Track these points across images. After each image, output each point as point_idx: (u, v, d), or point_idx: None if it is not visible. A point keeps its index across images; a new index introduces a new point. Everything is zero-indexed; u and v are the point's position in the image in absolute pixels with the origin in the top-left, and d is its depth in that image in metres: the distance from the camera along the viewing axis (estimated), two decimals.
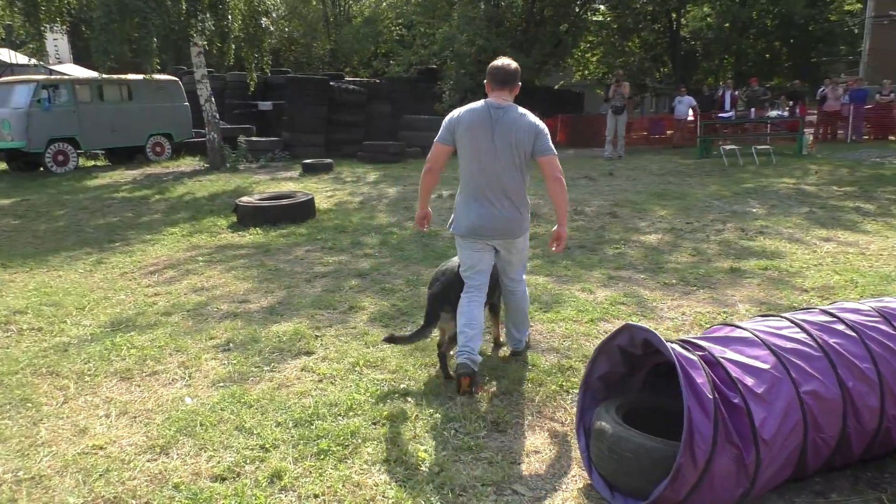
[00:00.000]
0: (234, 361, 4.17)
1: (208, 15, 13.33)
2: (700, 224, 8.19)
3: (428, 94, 20.35)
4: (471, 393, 3.61)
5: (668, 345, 2.52)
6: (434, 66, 20.86)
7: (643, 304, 5.22)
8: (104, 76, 15.16)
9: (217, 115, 14.65)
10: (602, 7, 24.32)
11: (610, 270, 6.25)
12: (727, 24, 23.44)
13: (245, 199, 9.34)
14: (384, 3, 28.76)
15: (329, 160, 14.24)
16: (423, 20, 20.83)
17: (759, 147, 13.29)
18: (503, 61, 3.78)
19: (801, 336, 2.67)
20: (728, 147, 13.32)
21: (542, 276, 6.06)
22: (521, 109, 3.72)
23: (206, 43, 14.06)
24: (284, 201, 9.08)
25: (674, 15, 22.69)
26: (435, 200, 10.27)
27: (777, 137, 15.61)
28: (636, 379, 2.95)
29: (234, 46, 15.52)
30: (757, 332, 2.67)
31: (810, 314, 2.91)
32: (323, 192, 11.29)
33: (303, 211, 9.10)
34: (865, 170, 11.92)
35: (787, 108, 16.02)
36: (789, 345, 2.62)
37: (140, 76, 15.12)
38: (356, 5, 35.00)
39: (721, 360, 2.50)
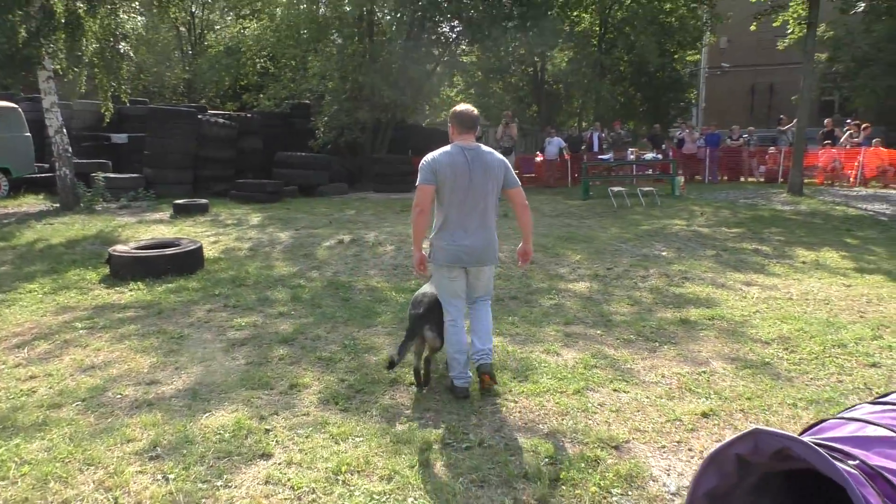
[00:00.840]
0: (172, 475, 3.24)
1: (63, 36, 11.78)
2: (620, 269, 8.06)
3: (301, 130, 19.47)
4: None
5: (825, 454, 2.06)
6: (307, 102, 20.03)
7: (617, 367, 4.82)
8: None
9: (69, 148, 12.97)
10: (469, 48, 24.66)
11: (560, 326, 5.85)
12: (582, 69, 24.56)
13: (120, 247, 8.09)
14: (245, 32, 27.51)
15: (204, 200, 12.99)
16: (293, 53, 19.94)
17: (643, 189, 13.69)
18: (466, 107, 4.23)
19: None
20: (616, 189, 13.62)
21: (494, 336, 5.53)
22: (486, 148, 4.20)
23: (58, 67, 12.43)
24: (169, 250, 7.94)
25: (536, 59, 23.39)
26: (336, 247, 9.54)
27: (653, 179, 16.28)
28: (742, 489, 2.47)
29: (85, 72, 13.98)
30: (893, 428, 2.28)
31: None
32: (204, 238, 10.14)
33: (191, 261, 8.01)
34: (745, 211, 12.57)
35: (660, 151, 16.79)
36: None
37: None
38: (211, 34, 33.36)
39: (879, 470, 2.08)
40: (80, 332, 5.69)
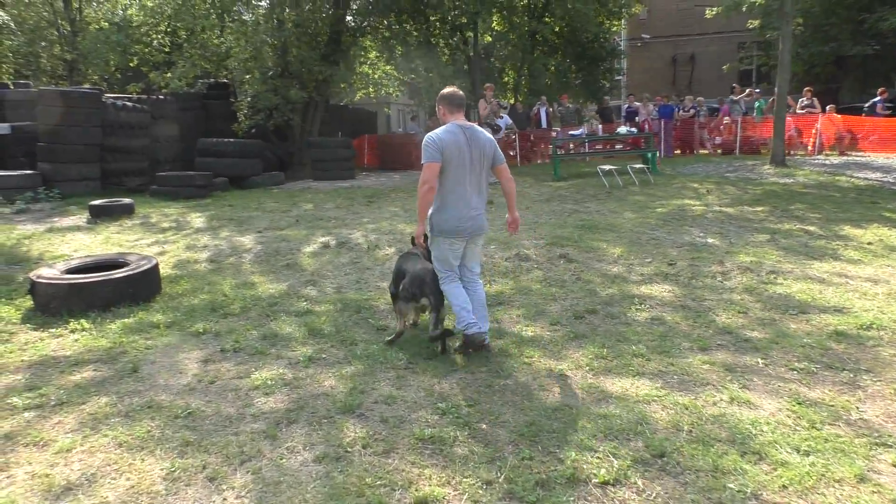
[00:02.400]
0: None
1: None
2: (684, 265, 6.74)
3: (221, 114, 17.12)
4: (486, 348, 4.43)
5: None
6: (226, 80, 17.64)
7: (850, 422, 3.45)
8: None
9: None
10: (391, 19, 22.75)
11: (699, 354, 4.44)
12: (513, 40, 23.30)
13: (45, 271, 5.97)
14: (136, 6, 24.40)
15: (128, 200, 10.67)
16: (203, 24, 17.42)
17: (634, 166, 12.50)
18: (453, 89, 4.49)
19: None
20: (606, 168, 12.35)
21: (636, 376, 4.04)
22: (477, 126, 4.48)
23: None
24: (118, 273, 5.91)
25: (469, 33, 21.87)
26: (323, 253, 7.77)
27: (627, 155, 15.17)
28: None
29: None
30: None
31: None
32: (144, 248, 8.07)
33: (146, 285, 6.03)
34: (749, 187, 11.60)
35: (633, 125, 15.69)
36: None
37: None
38: (92, 9, 29.65)
39: None
40: (26, 415, 3.74)
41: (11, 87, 15.15)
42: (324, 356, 4.60)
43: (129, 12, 25.55)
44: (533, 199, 11.26)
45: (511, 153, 19.13)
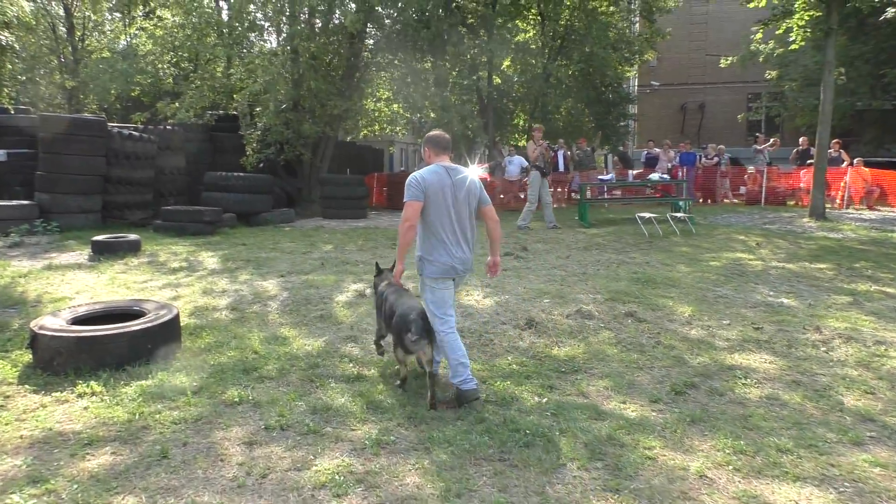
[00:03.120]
0: None
1: None
2: (773, 330, 5.97)
3: (227, 146, 16.39)
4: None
5: None
6: (234, 112, 16.97)
7: None
8: None
9: None
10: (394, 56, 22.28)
11: (858, 451, 3.64)
12: (527, 81, 22.96)
13: (48, 321, 5.12)
14: (145, 36, 23.91)
15: (134, 236, 9.81)
16: (214, 54, 16.81)
17: (675, 215, 11.83)
18: (439, 132, 4.59)
19: None
20: (645, 215, 11.65)
21: (803, 488, 3.23)
22: (462, 168, 4.48)
23: None
24: (134, 325, 5.07)
25: (483, 73, 21.47)
26: (359, 303, 6.98)
27: (658, 203, 14.51)
28: None
29: None
30: None
31: None
32: (156, 291, 7.22)
33: (166, 339, 5.19)
34: (801, 241, 10.92)
35: (664, 172, 15.11)
36: None
37: None
38: (94, 38, 29.13)
39: None
40: None
41: (11, 112, 14.39)
42: (393, 439, 3.77)
43: (135, 41, 25.04)
44: (570, 245, 10.52)
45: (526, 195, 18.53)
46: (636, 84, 31.37)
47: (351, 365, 5.06)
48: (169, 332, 5.24)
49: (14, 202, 11.44)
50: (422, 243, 4.37)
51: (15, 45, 12.88)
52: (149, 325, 5.08)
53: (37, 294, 7.04)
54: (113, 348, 4.83)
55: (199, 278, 7.99)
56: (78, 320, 5.26)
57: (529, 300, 6.95)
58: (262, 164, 15.74)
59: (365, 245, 10.84)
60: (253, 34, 17.16)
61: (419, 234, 4.37)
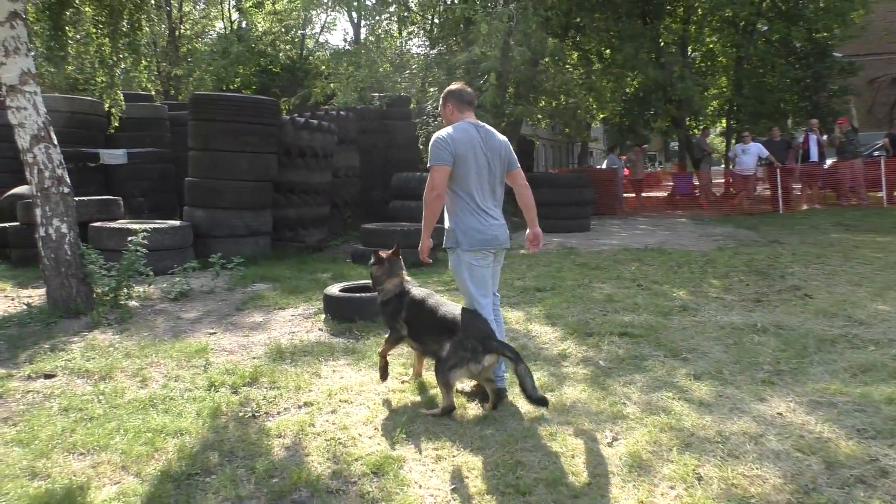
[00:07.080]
0: None
1: None
2: None
3: (400, 140, 12.71)
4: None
5: None
6: (405, 94, 13.26)
7: None
8: None
9: (65, 176, 6.02)
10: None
11: None
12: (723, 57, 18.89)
13: None
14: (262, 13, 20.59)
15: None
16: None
17: None
18: (461, 84, 3.89)
19: None
20: None
21: None
22: (489, 126, 3.81)
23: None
24: None
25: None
26: None
27: None
28: None
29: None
30: None
31: None
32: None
33: None
34: None
35: None
36: None
37: None
38: (189, 23, 26.12)
39: None
40: None
41: (157, 103, 11.13)
42: None
43: (251, 20, 21.75)
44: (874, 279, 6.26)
45: (766, 191, 14.62)
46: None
47: None
48: None
49: (167, 224, 7.90)
50: (452, 213, 3.71)
51: (154, 17, 9.87)
52: None
53: (320, 446, 3.27)
54: None
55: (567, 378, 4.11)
56: None
57: None
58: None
59: (731, 284, 6.73)
60: None
61: (447, 202, 3.69)
